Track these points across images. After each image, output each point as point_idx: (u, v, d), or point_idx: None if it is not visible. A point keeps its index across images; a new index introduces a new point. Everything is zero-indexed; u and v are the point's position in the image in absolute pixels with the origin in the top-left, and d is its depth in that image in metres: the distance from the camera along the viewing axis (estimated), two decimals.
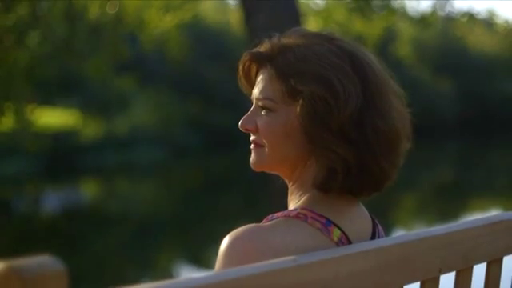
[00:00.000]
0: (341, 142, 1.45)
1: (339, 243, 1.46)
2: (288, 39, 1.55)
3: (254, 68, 1.59)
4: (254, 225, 1.45)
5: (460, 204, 14.53)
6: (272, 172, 1.59)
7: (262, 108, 1.55)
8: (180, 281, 1.14)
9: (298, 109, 1.48)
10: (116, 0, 12.51)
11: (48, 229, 12.73)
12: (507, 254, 1.71)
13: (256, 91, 1.56)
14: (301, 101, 1.47)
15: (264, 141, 1.55)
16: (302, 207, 1.50)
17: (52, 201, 15.94)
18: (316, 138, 1.47)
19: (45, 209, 15.20)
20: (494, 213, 1.81)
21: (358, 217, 1.54)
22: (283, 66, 1.51)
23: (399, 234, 1.64)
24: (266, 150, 1.55)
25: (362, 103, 1.46)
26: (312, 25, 12.45)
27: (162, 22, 13.07)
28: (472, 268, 1.62)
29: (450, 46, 31.29)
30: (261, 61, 1.56)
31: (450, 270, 1.56)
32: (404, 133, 1.53)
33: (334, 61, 1.48)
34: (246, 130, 1.58)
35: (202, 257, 10.13)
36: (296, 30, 1.60)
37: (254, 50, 1.59)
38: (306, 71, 1.48)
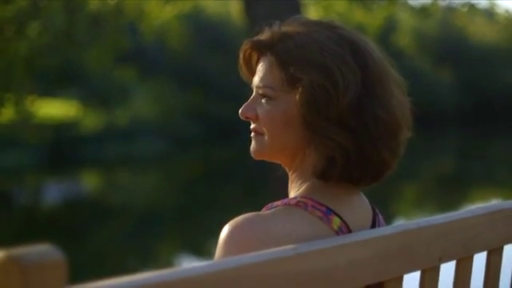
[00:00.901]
0: (340, 130, 1.45)
1: (339, 232, 1.46)
2: (288, 27, 1.55)
3: (254, 56, 1.59)
4: (253, 213, 1.45)
5: (460, 194, 14.54)
6: (272, 160, 1.59)
7: (262, 96, 1.55)
8: (180, 270, 1.14)
9: (297, 97, 1.48)
10: None
11: (49, 220, 12.74)
12: (507, 243, 1.71)
13: (256, 79, 1.56)
14: (300, 89, 1.47)
15: (264, 129, 1.55)
16: (302, 196, 1.50)
17: (53, 192, 15.95)
18: (315, 126, 1.47)
19: (45, 200, 15.21)
20: (494, 202, 1.81)
21: (358, 206, 1.54)
22: (283, 53, 1.51)
23: (399, 223, 1.63)
24: (266, 138, 1.55)
25: (362, 92, 1.46)
26: (312, 14, 12.43)
27: (162, 13, 13.05)
28: (472, 257, 1.62)
29: (450, 36, 31.24)
30: (261, 49, 1.56)
31: (450, 259, 1.56)
32: (404, 122, 1.53)
33: (334, 49, 1.48)
34: (247, 118, 1.58)
35: (202, 247, 10.14)
36: (296, 18, 1.59)
37: (255, 38, 1.58)
38: (305, 59, 1.48)
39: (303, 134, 1.49)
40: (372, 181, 1.52)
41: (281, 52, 1.51)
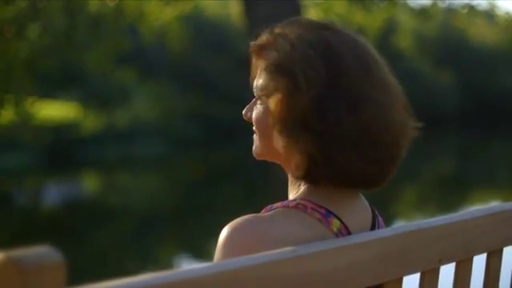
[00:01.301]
0: (305, 132, 1.45)
1: (338, 234, 1.46)
2: (281, 30, 1.56)
3: None
4: (253, 215, 1.45)
5: (460, 196, 14.55)
6: (272, 160, 1.61)
7: (258, 98, 1.58)
8: (179, 271, 1.14)
9: (271, 100, 1.50)
10: None
11: (48, 222, 12.74)
12: (507, 245, 1.71)
13: (254, 82, 1.59)
14: (274, 92, 1.50)
15: (256, 130, 1.59)
16: (302, 198, 1.50)
17: (52, 194, 15.95)
18: (284, 129, 1.48)
19: (45, 202, 15.22)
20: (494, 204, 1.80)
21: (357, 208, 1.54)
22: (266, 58, 1.54)
23: (399, 224, 1.63)
24: (257, 139, 1.59)
25: (326, 95, 1.45)
26: (312, 16, 12.43)
27: (162, 14, 13.06)
28: (472, 259, 1.62)
29: (450, 38, 31.25)
30: (257, 52, 1.58)
31: (450, 261, 1.56)
32: (391, 127, 1.48)
33: (305, 52, 1.48)
34: (248, 118, 1.62)
35: (202, 249, 10.14)
36: (294, 19, 1.60)
37: (256, 41, 1.60)
38: (278, 64, 1.50)
39: (283, 136, 1.51)
40: (357, 185, 1.50)
41: (265, 57, 1.55)
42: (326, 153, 1.45)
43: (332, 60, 1.47)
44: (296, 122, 1.46)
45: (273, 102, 1.50)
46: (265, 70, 1.54)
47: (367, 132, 1.46)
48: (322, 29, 1.53)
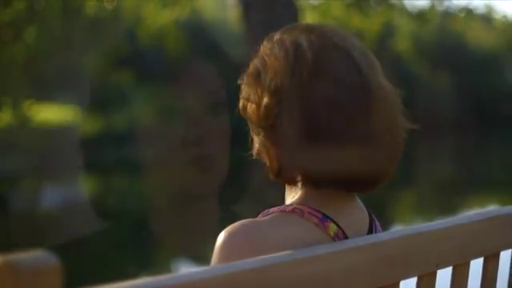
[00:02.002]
0: (268, 137, 1.49)
1: (335, 238, 1.46)
2: (276, 36, 1.56)
3: None
4: (249, 220, 1.45)
5: (458, 200, 14.54)
6: None
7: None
8: (176, 275, 1.14)
9: (248, 106, 1.54)
10: None
11: (46, 224, 12.71)
12: (504, 249, 1.71)
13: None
14: (249, 99, 1.53)
15: None
16: (298, 202, 1.50)
17: (50, 196, 15.91)
18: (257, 135, 1.52)
19: (44, 204, 15.17)
20: (491, 208, 1.81)
21: (354, 212, 1.54)
22: (250, 65, 1.56)
23: (396, 228, 1.63)
24: None
25: (281, 100, 1.46)
26: (309, 20, 12.44)
27: (159, 18, 13.08)
28: (469, 263, 1.62)
29: (448, 41, 31.26)
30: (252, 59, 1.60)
31: (447, 265, 1.56)
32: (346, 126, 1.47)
33: (278, 59, 1.49)
34: None
35: (201, 253, 10.12)
36: (294, 25, 1.59)
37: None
38: (254, 71, 1.53)
39: None
40: (333, 185, 1.50)
41: (251, 63, 1.57)
42: (282, 155, 1.47)
43: (296, 65, 1.47)
44: (260, 126, 1.49)
45: (250, 108, 1.53)
46: (246, 76, 1.56)
47: (315, 138, 1.45)
48: (303, 33, 1.53)
